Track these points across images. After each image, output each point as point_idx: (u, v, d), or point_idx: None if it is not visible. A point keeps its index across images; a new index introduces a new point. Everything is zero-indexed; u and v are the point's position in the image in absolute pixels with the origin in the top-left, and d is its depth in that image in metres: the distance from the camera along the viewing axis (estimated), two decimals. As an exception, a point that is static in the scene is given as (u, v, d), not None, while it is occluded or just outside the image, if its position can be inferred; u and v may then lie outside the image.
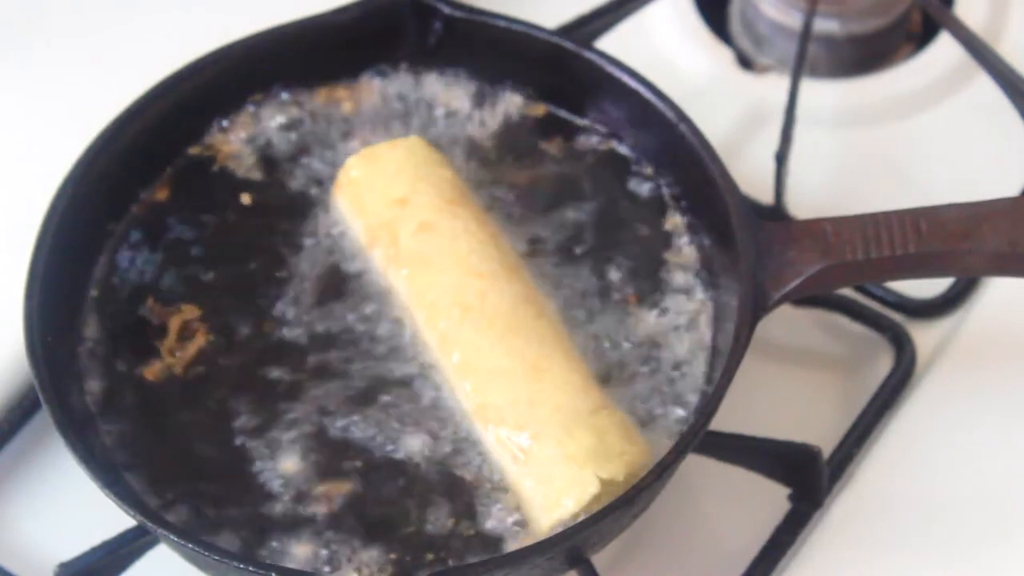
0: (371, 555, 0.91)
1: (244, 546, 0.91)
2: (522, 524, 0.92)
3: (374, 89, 1.07)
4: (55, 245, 0.96)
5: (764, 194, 1.10)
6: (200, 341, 0.98)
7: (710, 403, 0.91)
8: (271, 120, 1.06)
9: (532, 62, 1.05)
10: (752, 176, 1.09)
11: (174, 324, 0.99)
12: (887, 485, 1.00)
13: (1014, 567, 0.97)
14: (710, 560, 1.00)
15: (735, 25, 1.24)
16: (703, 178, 0.98)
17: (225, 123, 1.05)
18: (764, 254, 0.94)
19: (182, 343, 0.98)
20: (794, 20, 1.18)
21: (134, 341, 0.98)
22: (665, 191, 1.03)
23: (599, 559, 0.92)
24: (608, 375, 0.96)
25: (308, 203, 1.03)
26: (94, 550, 0.93)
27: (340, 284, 1.00)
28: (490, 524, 0.92)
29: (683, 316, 0.98)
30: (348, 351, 0.97)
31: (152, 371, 0.97)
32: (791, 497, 1.00)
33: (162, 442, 0.95)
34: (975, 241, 0.94)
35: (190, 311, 0.99)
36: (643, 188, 1.03)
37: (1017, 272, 0.95)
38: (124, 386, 0.97)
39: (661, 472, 0.89)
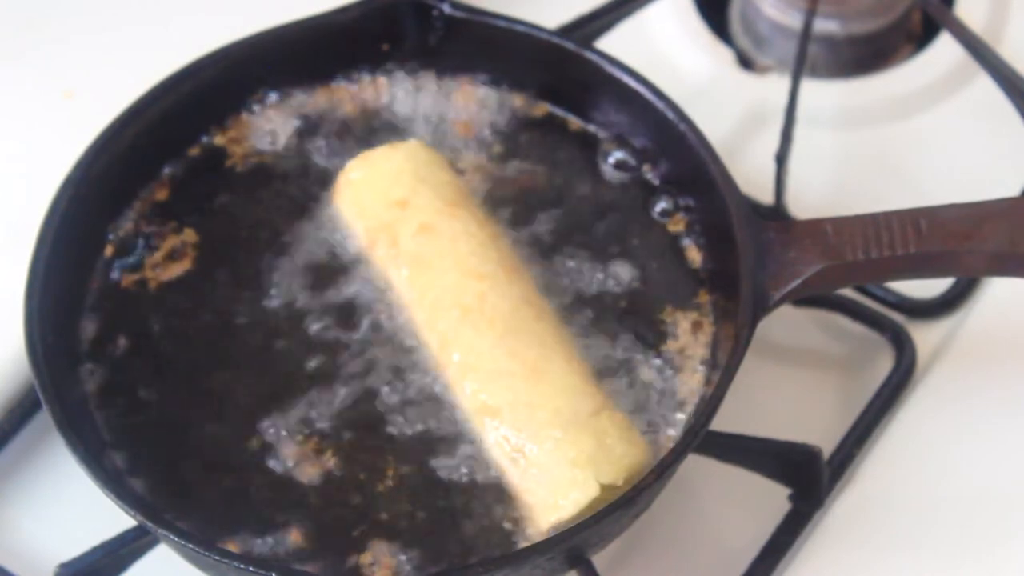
0: (369, 556, 0.91)
1: (243, 545, 0.91)
2: (522, 525, 0.92)
3: (374, 89, 1.07)
4: (55, 245, 0.96)
5: (764, 194, 1.10)
6: (201, 340, 0.98)
7: (710, 403, 0.91)
8: (271, 120, 1.06)
9: (532, 62, 1.05)
10: (752, 176, 1.09)
11: (174, 322, 0.99)
12: (887, 485, 1.00)
13: (1014, 567, 0.97)
14: (710, 560, 1.00)
15: (735, 25, 1.24)
16: (703, 178, 0.98)
17: (225, 123, 1.05)
18: (764, 254, 0.95)
19: (182, 340, 0.98)
20: (794, 20, 1.18)
21: (134, 340, 0.98)
22: (665, 191, 1.03)
23: (599, 559, 0.92)
24: (608, 376, 0.96)
25: (308, 204, 1.03)
26: (94, 550, 0.93)
27: (339, 286, 1.00)
28: (490, 525, 0.92)
29: (683, 316, 0.98)
30: (345, 348, 0.97)
31: (153, 370, 0.97)
32: (791, 497, 1.00)
33: (163, 442, 0.95)
34: (975, 241, 0.94)
35: (189, 309, 1.00)
36: (642, 188, 1.03)
37: (1017, 272, 0.95)
38: (124, 386, 0.97)
39: (661, 472, 0.89)
